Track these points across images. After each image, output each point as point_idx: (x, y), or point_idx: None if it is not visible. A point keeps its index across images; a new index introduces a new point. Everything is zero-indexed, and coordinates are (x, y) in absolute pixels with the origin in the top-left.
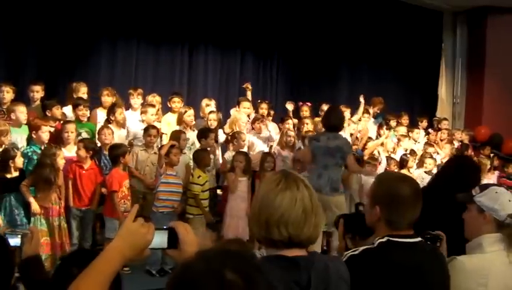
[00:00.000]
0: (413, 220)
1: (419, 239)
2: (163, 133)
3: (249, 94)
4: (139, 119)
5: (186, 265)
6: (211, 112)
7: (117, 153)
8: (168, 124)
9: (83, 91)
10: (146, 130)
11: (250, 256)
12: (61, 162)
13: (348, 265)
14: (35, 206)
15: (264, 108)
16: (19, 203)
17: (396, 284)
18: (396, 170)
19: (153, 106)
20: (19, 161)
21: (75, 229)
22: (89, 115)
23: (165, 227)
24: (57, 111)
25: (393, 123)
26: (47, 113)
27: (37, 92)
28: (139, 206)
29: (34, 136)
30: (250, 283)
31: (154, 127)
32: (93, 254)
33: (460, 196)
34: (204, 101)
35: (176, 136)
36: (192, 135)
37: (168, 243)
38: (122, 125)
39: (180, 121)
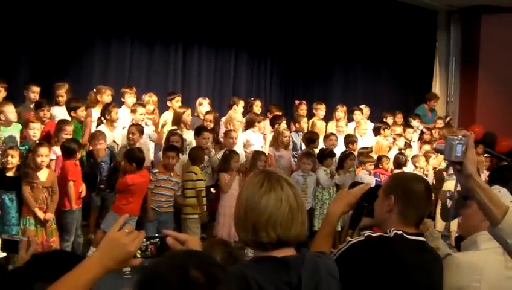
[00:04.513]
0: (422, 218)
1: (425, 239)
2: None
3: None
4: (132, 118)
5: (151, 264)
6: (207, 112)
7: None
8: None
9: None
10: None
11: (212, 256)
12: (45, 160)
13: (363, 245)
14: (40, 214)
15: (258, 106)
16: (13, 203)
17: (402, 277)
18: (389, 169)
19: (143, 105)
20: (14, 160)
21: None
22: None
23: (157, 235)
24: (48, 111)
25: (390, 120)
26: (40, 113)
27: (37, 93)
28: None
29: (24, 133)
30: (212, 280)
31: (135, 125)
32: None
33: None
34: (200, 100)
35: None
36: (189, 135)
37: (159, 251)
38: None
39: (177, 121)
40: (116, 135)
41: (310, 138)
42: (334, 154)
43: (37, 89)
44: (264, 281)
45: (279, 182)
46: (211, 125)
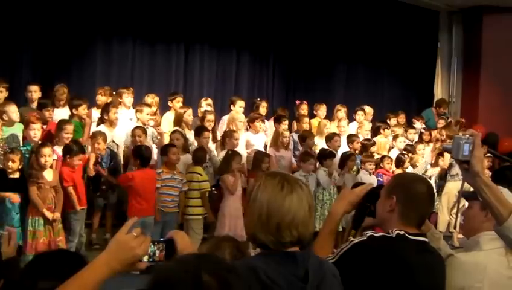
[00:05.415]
0: (424, 220)
1: (427, 239)
2: (164, 132)
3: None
4: (130, 118)
5: (163, 269)
6: (207, 112)
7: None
8: (169, 123)
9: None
10: (132, 131)
11: (222, 256)
12: (49, 160)
13: (366, 245)
14: (49, 214)
15: (264, 106)
16: (14, 205)
17: (404, 278)
18: (391, 169)
19: (149, 105)
20: (14, 165)
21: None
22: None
23: (162, 239)
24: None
25: (393, 121)
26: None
27: (35, 92)
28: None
29: (25, 133)
30: (225, 285)
31: (139, 127)
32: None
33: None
34: (203, 101)
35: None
36: (191, 135)
37: (165, 255)
38: (115, 124)
39: (179, 121)
40: (115, 135)
41: (302, 136)
42: (334, 155)
43: (34, 87)
44: (273, 273)
45: (297, 183)
46: (211, 124)
